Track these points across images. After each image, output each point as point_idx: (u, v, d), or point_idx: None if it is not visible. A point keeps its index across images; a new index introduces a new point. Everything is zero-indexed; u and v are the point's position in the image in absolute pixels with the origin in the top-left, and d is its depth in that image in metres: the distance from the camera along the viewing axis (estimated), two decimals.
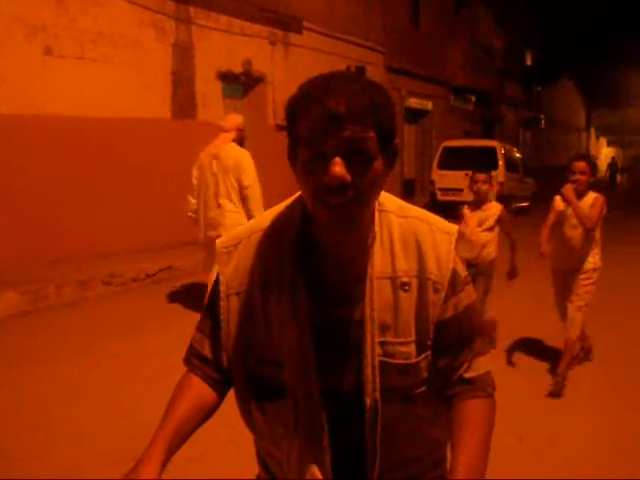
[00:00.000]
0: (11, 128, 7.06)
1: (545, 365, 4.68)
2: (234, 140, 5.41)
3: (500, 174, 14.38)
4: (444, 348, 1.17)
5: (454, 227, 1.21)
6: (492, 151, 14.72)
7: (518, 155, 17.11)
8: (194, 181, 5.67)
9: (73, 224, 7.71)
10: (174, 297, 6.75)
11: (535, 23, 28.21)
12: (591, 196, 4.23)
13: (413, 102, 17.38)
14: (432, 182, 15.30)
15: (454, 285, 1.17)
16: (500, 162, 14.48)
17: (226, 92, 10.61)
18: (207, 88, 9.95)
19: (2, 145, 6.99)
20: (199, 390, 1.23)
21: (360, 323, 1.14)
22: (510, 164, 15.22)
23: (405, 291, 1.15)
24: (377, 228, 1.16)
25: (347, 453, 1.19)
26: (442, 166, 15.11)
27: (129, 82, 8.51)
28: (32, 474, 3.03)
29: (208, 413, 1.24)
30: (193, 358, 1.27)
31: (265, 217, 1.25)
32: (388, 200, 1.21)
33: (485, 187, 4.69)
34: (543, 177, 22.63)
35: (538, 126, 29.77)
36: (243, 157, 5.28)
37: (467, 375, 1.18)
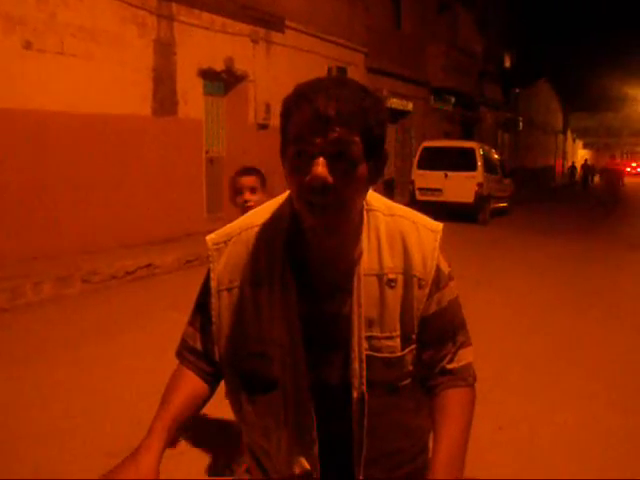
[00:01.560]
0: None
1: (525, 357, 4.78)
2: None
3: (479, 175, 14.55)
4: (428, 342, 1.21)
5: (439, 225, 1.25)
6: (471, 152, 14.87)
7: (497, 156, 17.29)
8: None
9: (52, 220, 7.64)
10: (154, 295, 6.72)
11: (514, 25, 28.51)
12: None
13: (394, 102, 17.45)
14: (412, 182, 15.41)
15: (438, 282, 1.21)
16: (479, 163, 14.63)
17: (207, 89, 10.58)
18: (188, 85, 9.91)
19: None
20: (192, 382, 1.26)
21: (348, 318, 1.18)
22: (489, 165, 15.39)
23: (391, 287, 1.18)
24: (365, 226, 1.20)
25: (334, 444, 1.23)
26: (421, 166, 15.22)
27: (110, 78, 8.44)
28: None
29: (201, 404, 1.27)
30: (185, 352, 1.30)
31: (255, 214, 1.28)
32: (375, 199, 1.24)
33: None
34: (521, 178, 22.92)
35: (516, 128, 30.09)
36: None
37: (449, 366, 1.22)
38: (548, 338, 5.51)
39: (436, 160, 14.89)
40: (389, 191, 17.81)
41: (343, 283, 1.18)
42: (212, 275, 1.25)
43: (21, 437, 3.37)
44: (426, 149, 15.41)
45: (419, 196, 15.11)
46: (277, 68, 11.72)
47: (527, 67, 29.40)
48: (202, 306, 1.27)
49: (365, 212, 1.21)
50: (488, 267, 8.99)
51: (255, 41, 11.41)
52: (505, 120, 28.46)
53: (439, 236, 1.22)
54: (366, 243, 1.19)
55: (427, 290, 1.20)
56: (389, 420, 1.23)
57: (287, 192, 1.25)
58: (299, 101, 1.05)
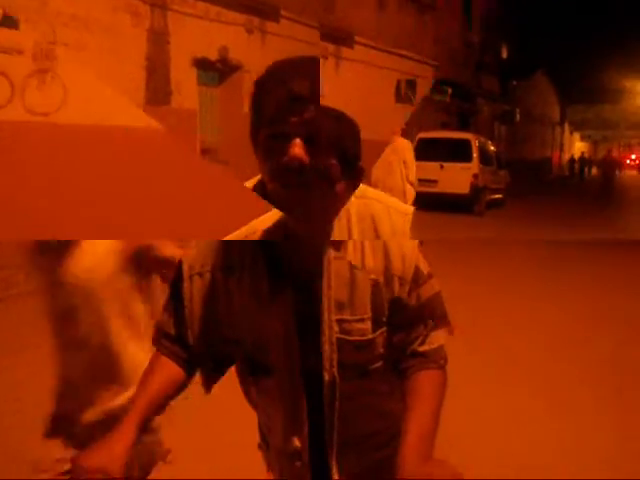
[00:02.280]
0: None
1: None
2: None
3: (474, 166, 14.55)
4: (399, 325, 1.23)
5: (410, 208, 1.27)
6: (467, 143, 14.88)
7: (492, 148, 17.29)
8: None
9: (42, 208, 7.62)
10: None
11: (511, 16, 28.44)
12: None
13: None
14: None
15: (417, 279, 1.23)
16: (474, 154, 14.65)
17: (201, 79, 10.54)
18: (182, 75, 9.87)
19: None
20: (167, 368, 1.29)
21: (318, 301, 1.19)
22: (484, 157, 15.40)
23: (360, 269, 1.20)
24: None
25: (317, 426, 1.28)
26: (417, 157, 15.17)
27: (103, 67, 8.39)
28: None
29: (177, 389, 1.30)
30: (161, 338, 1.32)
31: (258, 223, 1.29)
32: None
33: None
34: (517, 170, 22.90)
35: (513, 120, 30.04)
36: None
37: (420, 349, 1.24)
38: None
39: (432, 151, 14.87)
40: None
41: (314, 267, 1.19)
42: (184, 259, 1.27)
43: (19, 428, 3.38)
44: (421, 140, 15.38)
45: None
46: (272, 59, 11.65)
47: (524, 59, 29.33)
48: (175, 291, 1.29)
49: None
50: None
51: (250, 31, 11.36)
52: (502, 112, 28.42)
53: (409, 218, 1.25)
54: (336, 227, 1.20)
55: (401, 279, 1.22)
56: (362, 403, 1.25)
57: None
58: (273, 83, 1.05)
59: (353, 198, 1.23)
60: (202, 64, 10.39)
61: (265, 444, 1.45)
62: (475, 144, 14.88)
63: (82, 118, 7.35)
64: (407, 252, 1.23)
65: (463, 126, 22.48)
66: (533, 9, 32.90)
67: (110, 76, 8.51)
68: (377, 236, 1.23)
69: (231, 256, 1.23)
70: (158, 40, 9.40)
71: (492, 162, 16.15)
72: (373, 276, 1.21)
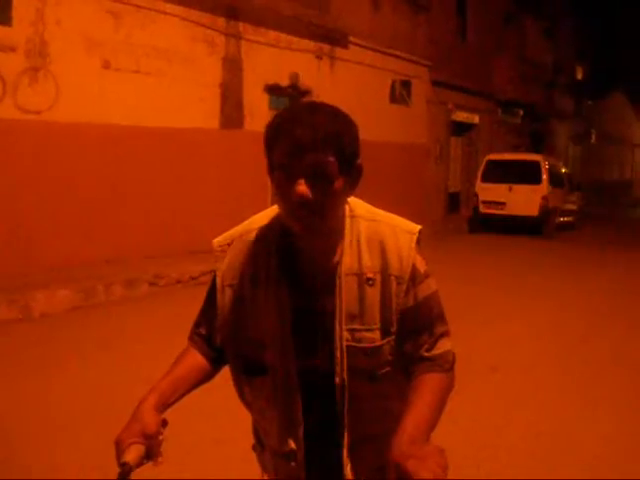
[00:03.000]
0: (72, 136, 7.58)
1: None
2: None
3: (544, 188, 14.33)
4: (407, 334, 1.35)
5: (417, 227, 1.39)
6: (536, 165, 14.68)
7: (564, 169, 16.94)
8: None
9: (124, 226, 8.16)
10: None
11: (586, 35, 27.81)
12: None
13: (458, 115, 17.43)
14: (476, 195, 15.34)
15: (414, 278, 1.34)
16: (544, 176, 14.42)
17: (273, 104, 10.95)
18: (254, 100, 10.32)
19: (64, 151, 7.52)
20: (196, 357, 1.46)
21: (332, 313, 1.33)
22: (555, 178, 15.12)
23: (370, 285, 1.33)
24: (347, 231, 1.35)
25: (322, 426, 1.38)
26: (486, 179, 15.14)
27: (181, 94, 8.95)
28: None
29: (202, 377, 1.46)
30: (194, 336, 1.51)
31: (255, 220, 1.46)
32: (358, 206, 1.39)
33: None
34: (593, 193, 22.23)
35: (588, 140, 29.25)
36: None
37: (427, 354, 1.34)
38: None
39: (500, 173, 14.79)
40: (454, 205, 17.76)
41: (328, 283, 1.33)
42: (217, 273, 1.43)
43: (88, 421, 3.73)
44: (490, 162, 15.32)
45: (483, 209, 15.04)
46: (341, 82, 12.01)
47: (600, 78, 28.54)
48: (210, 299, 1.47)
49: (349, 219, 1.36)
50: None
51: (319, 57, 11.75)
52: (576, 133, 27.73)
53: (415, 237, 1.36)
54: (348, 246, 1.34)
55: (404, 286, 1.33)
56: (372, 405, 1.37)
57: None
58: (278, 133, 1.23)
59: (363, 221, 1.36)
60: (273, 89, 10.81)
61: (260, 445, 1.50)
62: (545, 165, 14.64)
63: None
64: (404, 251, 1.33)
65: (536, 148, 22.10)
66: (608, 25, 31.96)
67: (188, 102, 9.07)
68: (385, 257, 1.33)
69: (257, 269, 1.37)
70: (232, 67, 9.90)
71: (563, 184, 15.81)
72: (370, 275, 1.32)
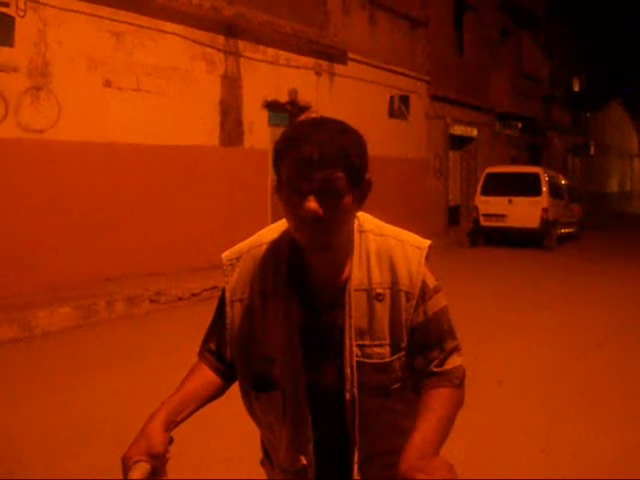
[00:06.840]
0: (74, 154, 7.63)
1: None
2: None
3: (544, 200, 14.35)
4: (417, 349, 1.34)
5: (426, 242, 1.38)
6: (535, 177, 14.70)
7: (564, 181, 16.98)
8: None
9: (125, 244, 8.17)
10: None
11: (582, 48, 27.99)
12: None
13: (457, 129, 17.51)
14: (475, 208, 15.36)
15: (423, 294, 1.32)
16: (544, 188, 14.44)
17: (272, 120, 11.01)
18: (254, 117, 10.39)
19: (66, 169, 7.55)
20: (206, 373, 1.44)
21: (341, 329, 1.31)
22: (554, 190, 15.14)
23: (379, 301, 1.32)
24: (356, 246, 1.34)
25: (331, 443, 1.37)
26: (485, 192, 15.17)
27: (181, 111, 9.01)
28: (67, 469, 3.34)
29: (213, 392, 1.42)
30: (204, 351, 1.49)
31: (264, 234, 1.44)
32: (367, 221, 1.39)
33: None
34: (592, 204, 22.27)
35: (587, 152, 29.34)
36: None
37: (437, 369, 1.32)
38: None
39: (500, 186, 14.81)
40: (454, 218, 17.79)
41: (337, 298, 1.32)
42: (226, 287, 1.42)
43: (93, 435, 3.71)
44: (490, 175, 15.35)
45: (483, 222, 15.05)
46: (340, 99, 12.09)
47: (597, 90, 28.69)
48: (219, 314, 1.46)
49: (358, 233, 1.35)
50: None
51: (319, 73, 11.83)
52: (575, 145, 27.83)
53: (424, 252, 1.36)
54: (357, 261, 1.33)
55: (414, 302, 1.31)
56: (382, 421, 1.36)
57: None
58: (287, 149, 1.24)
59: (372, 235, 1.35)
60: (273, 106, 10.88)
61: (268, 460, 1.48)
62: (544, 177, 14.66)
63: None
64: (413, 267, 1.32)
65: (534, 160, 22.19)
66: (604, 37, 32.20)
67: (188, 119, 9.12)
68: (394, 272, 1.32)
69: (267, 284, 1.36)
70: (231, 85, 9.97)
71: (563, 195, 15.83)
72: (379, 290, 1.31)
